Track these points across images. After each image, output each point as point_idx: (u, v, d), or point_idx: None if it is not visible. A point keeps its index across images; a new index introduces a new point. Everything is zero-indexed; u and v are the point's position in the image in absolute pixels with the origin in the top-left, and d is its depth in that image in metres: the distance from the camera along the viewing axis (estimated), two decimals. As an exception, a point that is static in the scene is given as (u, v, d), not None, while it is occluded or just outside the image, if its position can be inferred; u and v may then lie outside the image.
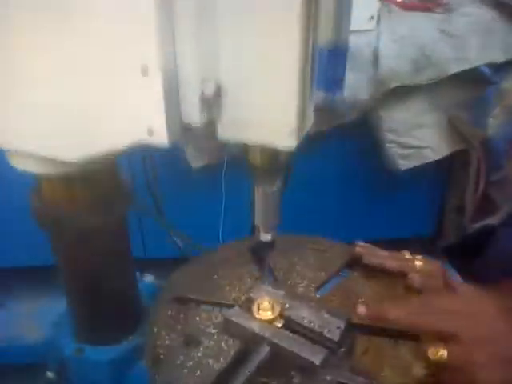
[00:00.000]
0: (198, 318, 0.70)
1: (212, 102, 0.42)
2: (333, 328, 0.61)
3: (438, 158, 1.18)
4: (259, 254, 0.80)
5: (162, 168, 1.17)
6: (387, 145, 1.15)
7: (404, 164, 1.17)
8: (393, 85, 1.06)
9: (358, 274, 0.80)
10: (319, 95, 0.42)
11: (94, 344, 0.76)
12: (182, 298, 0.75)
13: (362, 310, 0.62)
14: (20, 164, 0.55)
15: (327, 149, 1.20)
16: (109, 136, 0.45)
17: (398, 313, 0.59)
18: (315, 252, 0.85)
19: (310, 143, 1.14)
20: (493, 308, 0.57)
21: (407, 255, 0.81)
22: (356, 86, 1.09)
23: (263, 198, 0.53)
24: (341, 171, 1.26)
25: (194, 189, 1.19)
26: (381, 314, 0.60)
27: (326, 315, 0.63)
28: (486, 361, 0.51)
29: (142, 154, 1.12)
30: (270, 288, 0.68)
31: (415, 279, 0.76)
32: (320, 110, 1.11)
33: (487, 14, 1.11)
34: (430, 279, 0.78)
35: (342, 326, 0.61)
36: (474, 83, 1.11)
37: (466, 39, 1.08)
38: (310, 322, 0.62)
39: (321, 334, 0.61)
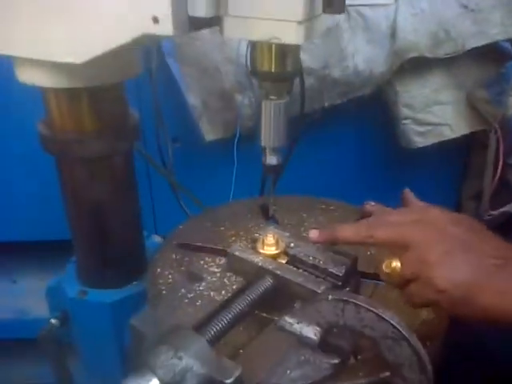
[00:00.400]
0: (202, 262, 0.70)
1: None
2: (338, 264, 0.59)
3: (455, 136, 1.15)
4: (267, 208, 0.80)
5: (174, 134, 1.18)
6: (403, 121, 1.13)
7: (420, 141, 1.15)
8: (410, 55, 1.05)
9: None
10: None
11: (98, 287, 0.75)
12: (188, 244, 0.75)
13: (313, 233, 0.60)
14: (27, 77, 0.55)
15: (341, 124, 1.19)
16: (111, 30, 0.45)
17: (347, 232, 0.57)
18: (324, 211, 0.84)
19: (324, 117, 1.16)
20: (440, 214, 0.55)
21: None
22: (373, 59, 1.09)
23: (271, 112, 0.52)
24: (355, 149, 1.24)
25: (206, 157, 1.19)
26: (332, 235, 0.58)
27: (332, 253, 0.61)
28: (437, 258, 0.50)
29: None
30: (275, 228, 0.66)
31: None
32: (334, 83, 1.12)
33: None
34: None
35: (348, 263, 0.60)
36: (494, 59, 1.09)
37: (487, 14, 1.06)
38: (315, 259, 0.60)
39: (325, 269, 0.59)
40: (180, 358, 0.45)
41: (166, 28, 0.42)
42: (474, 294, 0.48)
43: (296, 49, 0.52)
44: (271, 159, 0.57)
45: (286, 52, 0.51)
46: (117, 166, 0.67)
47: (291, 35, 0.43)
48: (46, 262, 1.25)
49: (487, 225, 1.35)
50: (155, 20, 0.42)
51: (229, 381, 0.43)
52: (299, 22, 0.42)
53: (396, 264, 0.53)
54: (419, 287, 0.51)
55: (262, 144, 0.56)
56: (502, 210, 1.25)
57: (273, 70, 0.50)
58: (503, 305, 0.47)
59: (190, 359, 0.45)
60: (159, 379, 0.43)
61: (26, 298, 1.34)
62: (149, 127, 1.16)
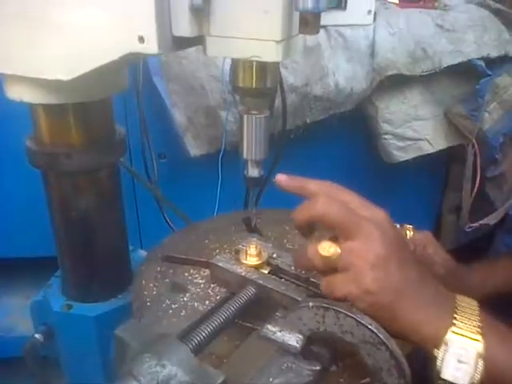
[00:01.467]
0: (186, 274, 0.71)
1: (201, 12, 0.44)
2: (318, 274, 0.61)
3: (434, 150, 1.19)
4: (250, 221, 0.81)
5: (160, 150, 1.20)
6: (383, 136, 1.17)
7: (400, 156, 1.18)
8: (389, 73, 1.08)
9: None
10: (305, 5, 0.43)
11: (83, 301, 0.75)
12: (172, 257, 0.76)
13: (281, 176, 0.57)
14: (15, 93, 0.56)
15: (323, 139, 1.22)
16: (100, 49, 0.47)
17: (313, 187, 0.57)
18: (308, 223, 0.86)
19: (307, 133, 1.18)
20: (389, 220, 0.55)
21: (397, 226, 0.81)
22: (353, 76, 1.12)
23: (252, 126, 0.54)
24: (337, 164, 1.27)
25: (191, 172, 1.21)
26: (300, 185, 0.57)
27: (313, 263, 0.63)
28: (374, 260, 0.50)
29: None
30: (258, 239, 0.68)
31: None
32: (316, 100, 1.15)
33: (483, 12, 1.15)
34: (421, 248, 0.78)
35: (329, 272, 0.61)
36: (469, 76, 1.14)
37: (461, 34, 1.11)
38: (297, 269, 0.62)
39: (307, 279, 0.60)
40: (163, 366, 0.45)
41: (151, 47, 0.44)
42: (397, 304, 0.49)
43: (275, 66, 0.55)
44: (253, 172, 0.59)
45: (265, 69, 0.53)
46: (103, 179, 0.68)
47: (270, 53, 0.45)
48: (32, 280, 1.24)
49: (467, 237, 1.37)
50: (141, 39, 0.44)
51: (212, 388, 0.44)
52: (277, 42, 0.44)
53: (336, 250, 0.51)
54: (345, 280, 0.51)
55: (244, 157, 0.58)
56: (481, 222, 1.28)
57: (253, 86, 0.52)
58: (418, 319, 0.49)
59: (173, 367, 0.46)
60: (143, 387, 0.44)
61: (10, 316, 1.32)
62: (135, 143, 1.18)
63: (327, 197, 0.55)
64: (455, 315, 0.49)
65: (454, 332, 0.47)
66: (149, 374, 0.45)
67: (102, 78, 0.59)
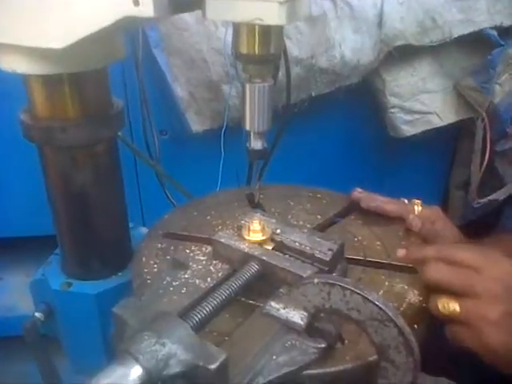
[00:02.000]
0: (187, 251, 0.69)
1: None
2: (324, 249, 0.59)
3: (443, 124, 1.15)
4: (253, 197, 0.79)
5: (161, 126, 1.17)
6: (390, 110, 1.13)
7: (408, 130, 1.14)
8: (397, 43, 1.04)
9: (356, 218, 0.78)
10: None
11: (83, 279, 0.74)
12: (173, 233, 0.74)
13: (401, 252, 0.62)
14: (8, 64, 0.54)
15: (329, 113, 1.18)
16: (94, 13, 0.44)
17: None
18: (312, 199, 0.84)
19: (312, 106, 1.15)
20: (509, 268, 0.54)
21: (406, 201, 0.79)
22: (360, 48, 1.08)
23: (255, 95, 0.51)
24: (343, 138, 1.24)
25: (193, 148, 1.18)
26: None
27: (319, 239, 0.61)
28: (498, 318, 0.50)
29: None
30: (261, 215, 0.66)
31: (415, 222, 0.74)
32: (321, 72, 1.11)
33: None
34: (430, 223, 0.76)
35: (335, 248, 0.59)
36: (480, 47, 1.09)
37: (473, 2, 1.06)
38: (301, 245, 0.60)
39: (312, 255, 0.58)
40: (163, 344, 0.44)
41: (146, 10, 0.41)
42: None
43: (279, 30, 0.52)
44: (256, 144, 0.56)
45: (269, 34, 0.50)
46: (100, 154, 0.66)
47: (274, 16, 0.42)
48: (33, 259, 1.23)
49: (475, 213, 1.35)
50: (136, 2, 0.41)
51: (213, 366, 0.43)
52: (281, 3, 0.41)
53: (455, 308, 0.52)
54: (467, 334, 0.51)
55: (247, 128, 0.55)
56: (489, 198, 1.25)
57: (256, 53, 0.49)
58: None
59: (173, 345, 0.44)
60: (141, 366, 0.42)
61: (12, 295, 1.32)
62: (136, 119, 1.15)
63: (438, 263, 0.56)
64: None
65: None
66: (147, 352, 0.43)
67: (98, 46, 0.57)
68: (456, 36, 1.06)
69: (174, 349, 0.44)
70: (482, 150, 1.19)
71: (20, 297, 1.21)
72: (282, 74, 1.09)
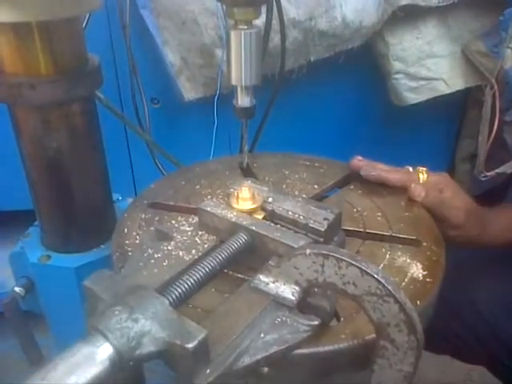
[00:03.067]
0: (173, 221, 0.64)
1: None
2: (319, 219, 0.54)
3: (450, 91, 1.09)
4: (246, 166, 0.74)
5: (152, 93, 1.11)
6: (394, 75, 1.07)
7: (412, 98, 1.08)
8: (403, 3, 0.97)
9: (355, 187, 0.73)
10: None
11: (63, 252, 0.69)
12: (158, 203, 0.69)
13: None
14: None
15: (329, 79, 1.12)
16: None
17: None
18: (309, 167, 0.78)
19: (311, 71, 1.08)
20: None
21: (410, 169, 0.74)
22: (363, 8, 1.01)
23: (241, 44, 0.45)
24: (343, 105, 1.18)
25: (185, 117, 1.13)
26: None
27: (314, 208, 0.56)
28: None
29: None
30: (252, 182, 0.61)
31: (417, 191, 0.68)
32: (321, 35, 1.04)
33: None
34: (436, 191, 0.70)
35: (331, 218, 0.54)
36: (491, 7, 1.02)
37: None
38: (295, 214, 0.55)
39: (306, 225, 0.53)
40: (135, 321, 0.39)
41: None
42: None
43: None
44: (243, 101, 0.51)
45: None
46: (75, 115, 0.60)
47: None
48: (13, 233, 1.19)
49: (481, 187, 1.30)
50: None
51: (191, 345, 0.38)
52: None
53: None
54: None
55: (233, 83, 0.49)
56: (497, 170, 1.19)
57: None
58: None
59: (147, 321, 0.39)
60: (111, 344, 0.38)
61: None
62: (125, 86, 1.10)
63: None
64: None
65: None
66: (118, 329, 0.38)
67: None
68: (465, -5, 0.99)
69: (147, 325, 0.39)
70: (490, 120, 1.13)
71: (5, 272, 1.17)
72: (278, 38, 1.03)
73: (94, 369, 0.37)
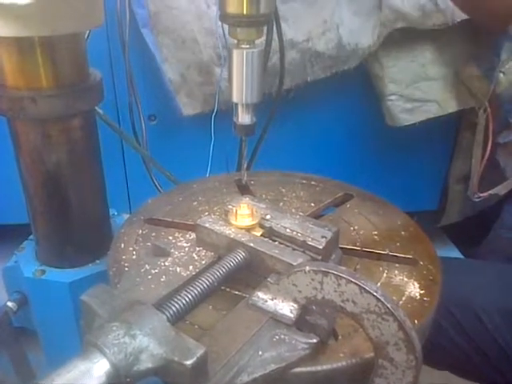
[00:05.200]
0: (170, 237, 0.64)
1: None
2: (317, 237, 0.54)
3: (444, 113, 1.10)
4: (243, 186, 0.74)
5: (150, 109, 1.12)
6: (389, 97, 1.08)
7: (406, 119, 1.10)
8: (398, 26, 0.99)
9: (352, 206, 0.73)
10: None
11: (57, 266, 0.69)
12: (156, 219, 0.69)
13: None
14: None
15: (325, 99, 1.13)
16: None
17: None
18: (306, 186, 0.79)
19: (308, 92, 1.10)
20: None
21: None
22: (359, 31, 1.03)
23: (243, 62, 0.46)
24: (338, 126, 1.19)
25: (183, 133, 1.13)
26: None
27: (312, 225, 0.56)
28: None
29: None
30: (250, 199, 0.61)
31: None
32: (318, 56, 1.06)
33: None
34: None
35: (329, 235, 0.54)
36: (484, 33, 1.04)
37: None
38: (293, 232, 0.55)
39: (304, 242, 0.53)
40: (133, 337, 0.39)
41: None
42: None
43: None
44: (244, 118, 0.51)
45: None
46: (76, 130, 0.60)
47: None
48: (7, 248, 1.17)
49: (474, 209, 1.30)
50: None
51: (189, 362, 0.38)
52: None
53: None
54: None
55: (234, 100, 0.50)
56: (490, 192, 1.20)
57: (244, 12, 0.44)
58: None
59: (145, 338, 0.39)
60: (108, 360, 0.37)
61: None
62: (123, 102, 1.10)
63: None
64: None
65: None
66: (115, 345, 0.38)
67: (71, 7, 0.51)
68: (459, 20, 1.01)
69: (145, 342, 0.39)
70: (483, 141, 1.15)
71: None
72: (276, 57, 1.04)
73: (91, 385, 0.36)
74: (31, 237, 0.74)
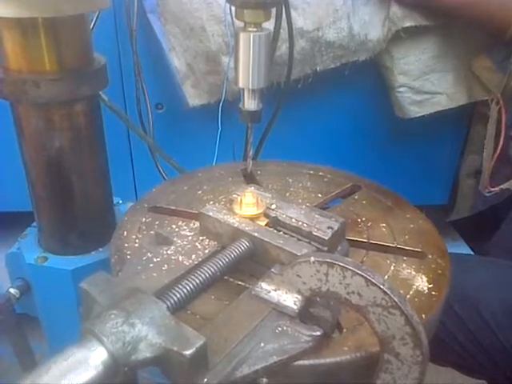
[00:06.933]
0: (173, 226, 0.63)
1: None
2: (323, 227, 0.52)
3: (454, 106, 1.08)
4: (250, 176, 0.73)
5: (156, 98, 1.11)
6: (398, 89, 1.06)
7: (416, 111, 1.07)
8: (406, 24, 0.97)
9: (360, 198, 0.72)
10: None
11: (60, 254, 0.68)
12: (159, 207, 0.68)
13: None
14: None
15: (334, 90, 1.11)
16: None
17: None
18: (313, 176, 0.77)
19: (316, 82, 1.08)
20: None
21: None
22: (369, 21, 1.01)
23: (250, 46, 0.44)
24: (347, 117, 1.17)
25: (190, 123, 1.12)
26: None
27: (318, 216, 0.54)
28: None
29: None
30: (256, 188, 0.59)
31: None
32: (328, 46, 1.04)
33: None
34: None
35: (335, 226, 0.53)
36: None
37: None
38: (298, 221, 0.53)
39: (309, 233, 0.52)
40: (132, 325, 0.38)
41: None
42: None
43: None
44: (249, 104, 0.50)
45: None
46: (79, 115, 0.59)
47: None
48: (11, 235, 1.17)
49: (485, 204, 1.28)
50: None
51: (188, 352, 0.37)
52: None
53: None
54: None
55: (239, 85, 0.48)
56: (502, 186, 1.18)
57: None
58: None
59: (144, 327, 0.38)
60: (105, 349, 0.36)
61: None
62: (130, 91, 1.09)
63: None
64: None
65: None
66: (113, 333, 0.37)
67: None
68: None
69: (144, 331, 0.38)
70: (495, 135, 1.12)
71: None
72: (285, 46, 1.02)
73: (87, 373, 0.35)
74: (34, 224, 0.74)
